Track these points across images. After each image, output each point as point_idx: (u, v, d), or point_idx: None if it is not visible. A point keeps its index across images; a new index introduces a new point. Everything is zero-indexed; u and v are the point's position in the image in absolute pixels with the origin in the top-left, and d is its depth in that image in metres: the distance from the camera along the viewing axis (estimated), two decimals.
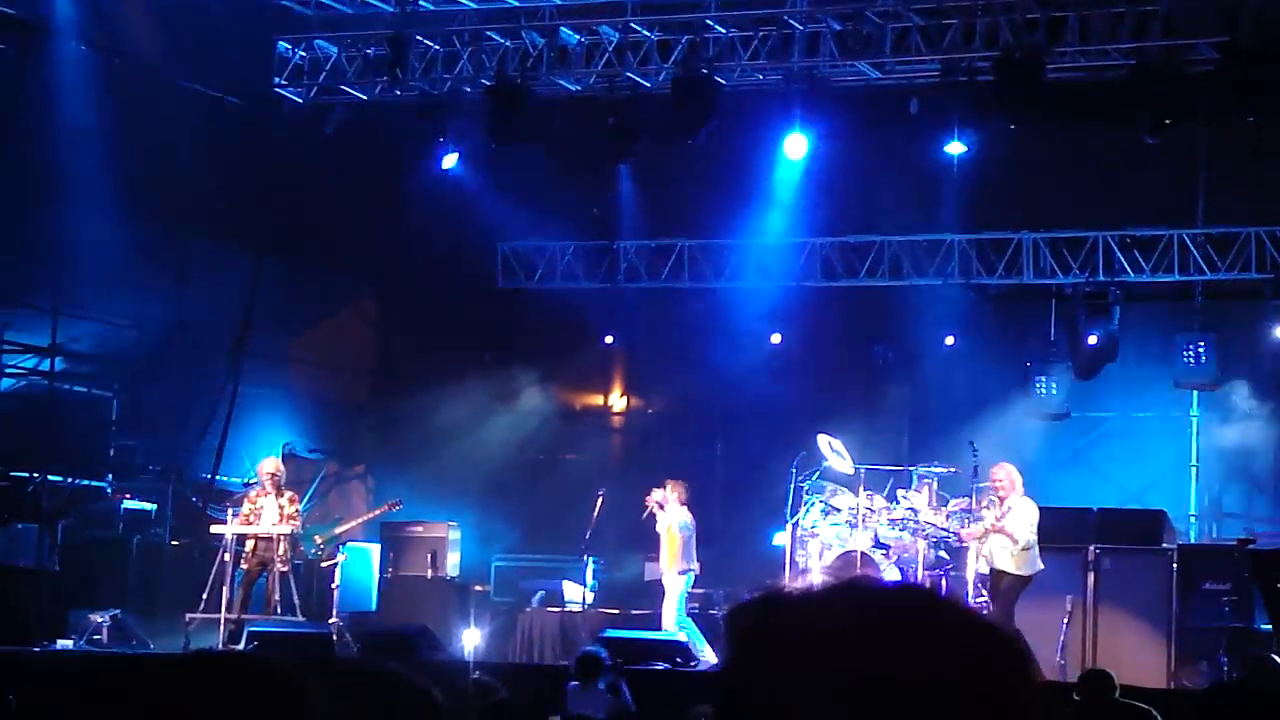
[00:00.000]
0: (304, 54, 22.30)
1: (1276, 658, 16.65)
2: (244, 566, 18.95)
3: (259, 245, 22.27)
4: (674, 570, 19.49)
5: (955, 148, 20.53)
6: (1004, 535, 17.64)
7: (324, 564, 20.07)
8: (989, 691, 1.86)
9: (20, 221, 19.68)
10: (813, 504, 19.57)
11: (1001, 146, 20.57)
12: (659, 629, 19.13)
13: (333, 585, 19.71)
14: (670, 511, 19.50)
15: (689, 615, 19.58)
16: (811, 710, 1.84)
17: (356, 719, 3.22)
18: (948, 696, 1.83)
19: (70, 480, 20.12)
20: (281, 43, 22.27)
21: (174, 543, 21.02)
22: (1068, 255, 22.93)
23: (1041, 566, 17.75)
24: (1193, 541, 19.79)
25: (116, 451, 21.34)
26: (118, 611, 18.65)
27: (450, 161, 22.16)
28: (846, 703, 1.83)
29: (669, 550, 19.52)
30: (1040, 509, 18.82)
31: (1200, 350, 22.26)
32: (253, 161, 21.90)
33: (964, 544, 18.36)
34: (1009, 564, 17.60)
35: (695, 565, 19.61)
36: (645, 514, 19.53)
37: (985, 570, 18.53)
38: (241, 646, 16.66)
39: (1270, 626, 17.27)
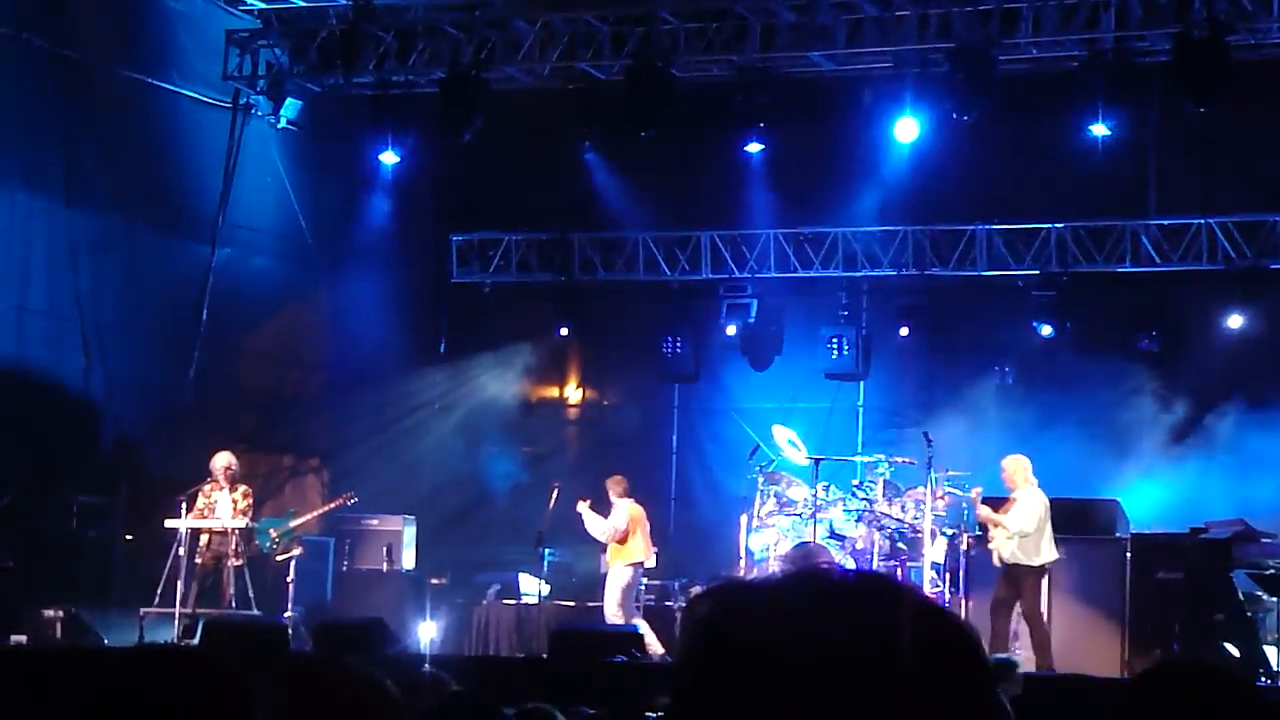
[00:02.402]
0: (258, 46, 22.24)
1: (1229, 646, 16.75)
2: (198, 561, 18.89)
3: (211, 237, 22.19)
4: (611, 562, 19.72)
5: (907, 132, 20.53)
6: (996, 526, 17.77)
7: (279, 558, 20.01)
8: (944, 678, 1.87)
9: None
10: (768, 495, 19.61)
11: (954, 138, 20.62)
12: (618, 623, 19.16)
13: (288, 579, 19.68)
14: (615, 509, 19.68)
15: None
16: (769, 700, 1.84)
17: (310, 712, 3.21)
18: (903, 683, 1.84)
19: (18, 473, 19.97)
20: (234, 35, 22.21)
21: (128, 537, 20.91)
22: (1021, 247, 23.02)
23: (1055, 555, 17.76)
24: (1146, 531, 19.84)
25: (68, 445, 21.19)
26: (71, 606, 18.55)
27: (388, 155, 22.09)
28: (803, 692, 1.83)
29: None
30: (992, 499, 18.91)
31: (1151, 340, 22.41)
32: (204, 154, 21.84)
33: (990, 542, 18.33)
34: (1012, 554, 17.66)
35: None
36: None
37: (941, 560, 18.64)
38: (196, 641, 16.61)
39: (1223, 616, 17.37)
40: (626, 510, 19.66)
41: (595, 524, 19.62)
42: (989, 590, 18.40)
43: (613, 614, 19.39)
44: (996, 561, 17.93)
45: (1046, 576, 18.00)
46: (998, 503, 18.35)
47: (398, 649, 17.21)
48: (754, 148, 21.22)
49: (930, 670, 1.86)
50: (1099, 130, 19.75)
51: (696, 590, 20.63)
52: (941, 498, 18.89)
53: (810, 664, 1.83)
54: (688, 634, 1.93)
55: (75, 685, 2.33)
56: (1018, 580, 17.59)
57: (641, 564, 19.68)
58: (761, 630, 1.87)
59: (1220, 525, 18.30)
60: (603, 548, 20.19)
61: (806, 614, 1.87)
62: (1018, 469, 18.03)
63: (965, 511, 19.07)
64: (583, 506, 19.64)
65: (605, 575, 19.89)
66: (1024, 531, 17.61)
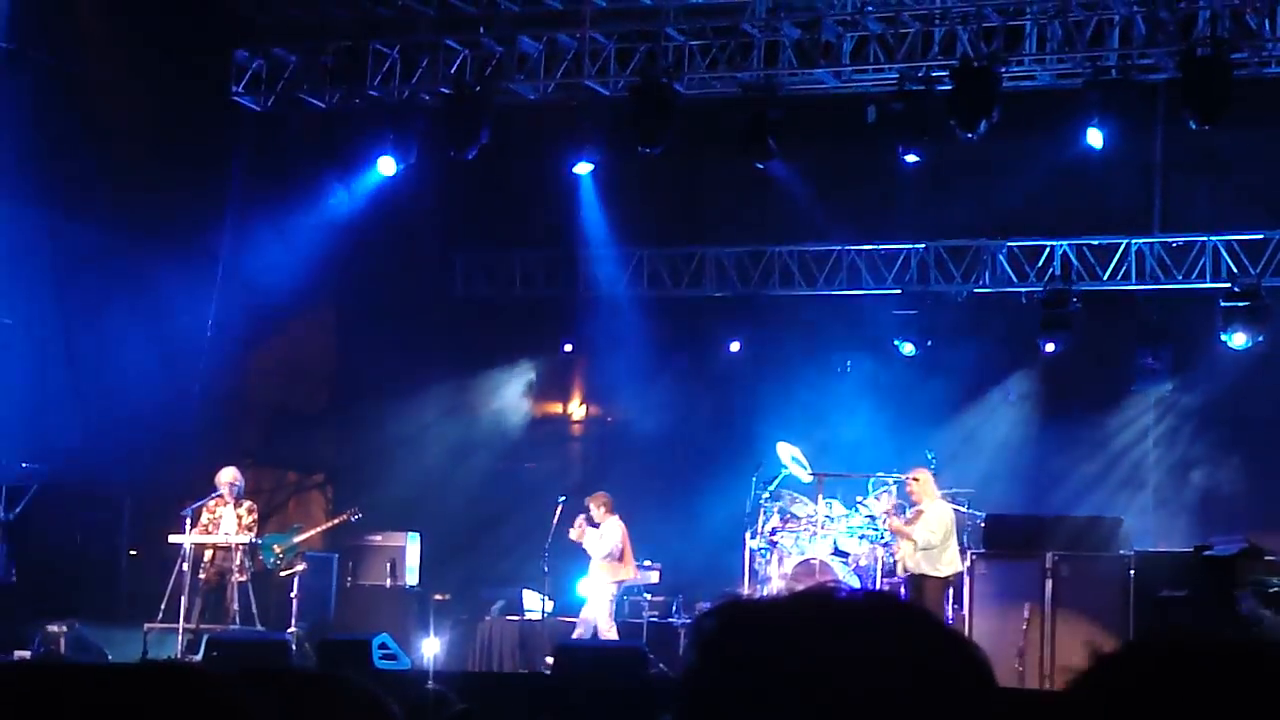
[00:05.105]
0: (262, 62, 22.27)
1: None
2: (202, 576, 18.90)
3: (217, 253, 22.21)
4: (605, 579, 19.74)
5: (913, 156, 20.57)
6: (902, 535, 18.07)
7: (283, 574, 20.01)
8: (950, 696, 1.87)
9: None
10: (772, 512, 19.60)
11: (959, 154, 20.61)
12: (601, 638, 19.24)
13: (292, 595, 19.67)
14: (605, 526, 19.74)
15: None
16: (776, 717, 1.84)
17: None
18: (910, 701, 1.84)
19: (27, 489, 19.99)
20: (239, 52, 22.24)
21: (132, 552, 20.93)
22: (1025, 263, 23.01)
23: (960, 566, 18.03)
24: (1149, 548, 19.83)
25: (74, 459, 21.22)
26: (75, 622, 18.55)
27: (388, 167, 22.03)
28: (810, 709, 1.83)
29: (598, 560, 19.73)
30: (997, 516, 18.98)
31: (1156, 358, 22.41)
32: (211, 169, 21.86)
33: (894, 557, 18.66)
34: (917, 564, 17.95)
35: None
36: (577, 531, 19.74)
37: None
38: (200, 656, 16.61)
39: (1227, 634, 17.34)
40: (619, 527, 19.78)
41: (597, 544, 19.67)
42: (993, 607, 18.42)
43: (606, 629, 19.45)
44: (901, 571, 18.31)
45: (951, 588, 18.29)
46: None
47: (400, 664, 17.22)
48: (758, 164, 21.18)
49: (936, 691, 1.86)
50: (1101, 144, 19.72)
51: (702, 607, 20.65)
52: (894, 512, 18.97)
53: (817, 683, 1.83)
54: (695, 651, 1.93)
55: (77, 701, 2.33)
56: (921, 590, 17.79)
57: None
58: (769, 648, 1.87)
59: (1224, 542, 18.27)
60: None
61: (813, 633, 1.87)
62: (928, 482, 18.25)
63: (969, 528, 19.09)
64: (578, 532, 19.71)
65: (591, 589, 19.88)
66: (930, 544, 17.91)
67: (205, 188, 21.98)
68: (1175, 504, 22.23)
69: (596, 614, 19.61)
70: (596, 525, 19.76)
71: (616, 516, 19.91)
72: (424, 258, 24.76)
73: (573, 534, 19.69)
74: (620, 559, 19.78)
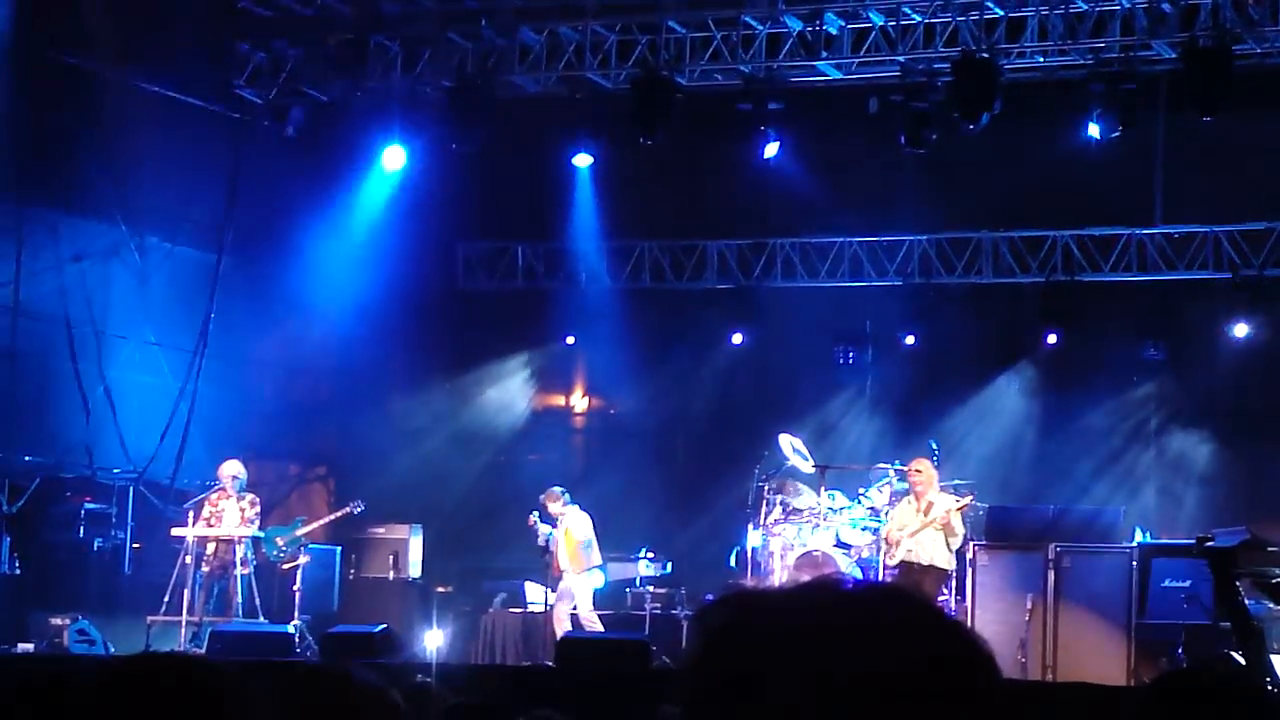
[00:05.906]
0: (264, 55, 22.26)
1: (1235, 655, 16.72)
2: (205, 569, 18.91)
3: (218, 246, 22.22)
4: (577, 570, 19.70)
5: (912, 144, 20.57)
6: (948, 529, 17.90)
7: (285, 566, 20.02)
8: (954, 688, 1.87)
9: None
10: (775, 504, 19.59)
11: (960, 145, 20.60)
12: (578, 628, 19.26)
13: (294, 587, 19.68)
14: (569, 517, 19.71)
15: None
16: (780, 709, 1.84)
17: (315, 719, 3.22)
18: (915, 693, 1.84)
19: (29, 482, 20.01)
20: (241, 44, 22.24)
21: (135, 545, 20.95)
22: (1027, 254, 23.01)
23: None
24: (1151, 540, 19.82)
25: (76, 453, 21.24)
26: (79, 614, 18.58)
27: (395, 159, 22.02)
28: (815, 701, 1.83)
29: (567, 552, 19.67)
30: (999, 508, 18.98)
31: (1157, 349, 22.42)
32: (212, 162, 21.86)
33: (890, 545, 18.39)
34: (942, 559, 17.92)
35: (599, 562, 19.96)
36: (541, 539, 19.75)
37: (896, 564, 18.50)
38: (203, 649, 16.63)
39: (1229, 624, 17.33)
40: (585, 517, 19.86)
41: (565, 536, 19.75)
42: (995, 599, 18.41)
43: (589, 621, 19.46)
44: (893, 561, 18.15)
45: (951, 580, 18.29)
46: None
47: (403, 657, 17.23)
48: (763, 153, 21.16)
49: (940, 682, 1.86)
50: (1102, 135, 19.70)
51: (706, 599, 20.65)
52: (890, 504, 18.93)
53: (820, 675, 1.84)
54: (698, 643, 1.94)
55: (80, 692, 2.34)
56: (921, 584, 17.67)
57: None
58: (771, 640, 1.88)
59: (1226, 533, 18.26)
60: (617, 555, 20.29)
61: (817, 625, 1.88)
62: (930, 473, 18.19)
63: (970, 520, 19.07)
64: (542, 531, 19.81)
65: (563, 582, 19.85)
66: (963, 535, 17.88)
67: (207, 180, 21.98)
68: (1177, 495, 22.23)
69: (578, 605, 19.60)
70: (552, 521, 19.78)
71: (576, 506, 19.92)
72: (425, 250, 24.74)
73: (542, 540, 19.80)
74: (589, 547, 19.81)
